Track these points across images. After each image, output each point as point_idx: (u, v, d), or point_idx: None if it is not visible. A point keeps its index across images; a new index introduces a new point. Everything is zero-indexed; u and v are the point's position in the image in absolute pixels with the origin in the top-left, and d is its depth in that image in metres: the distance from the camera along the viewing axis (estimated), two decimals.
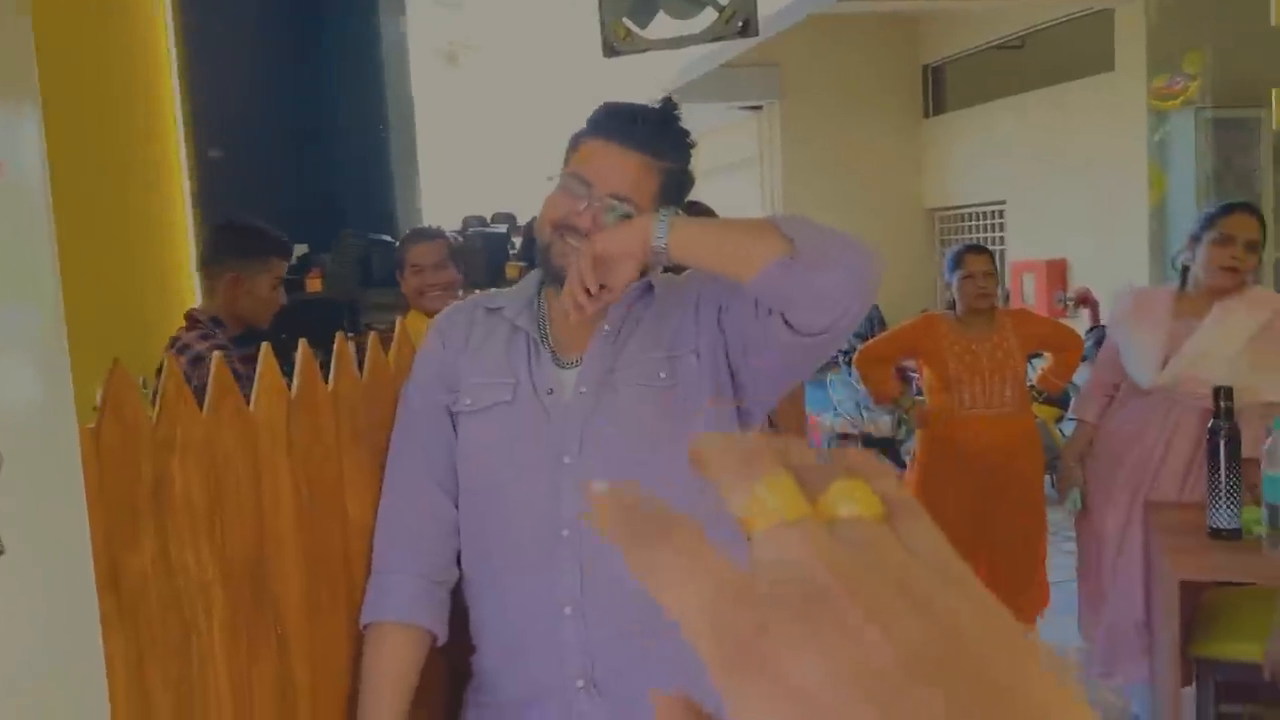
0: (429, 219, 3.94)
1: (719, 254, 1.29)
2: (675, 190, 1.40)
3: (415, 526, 1.44)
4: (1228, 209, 2.77)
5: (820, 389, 6.96)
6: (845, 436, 6.33)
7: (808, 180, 9.60)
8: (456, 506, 1.44)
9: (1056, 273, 9.16)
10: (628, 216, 1.33)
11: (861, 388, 4.48)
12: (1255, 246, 2.71)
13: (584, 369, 1.40)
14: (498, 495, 1.41)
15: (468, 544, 1.44)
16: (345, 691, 1.42)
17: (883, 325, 6.53)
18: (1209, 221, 2.76)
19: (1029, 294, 9.14)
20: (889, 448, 6.00)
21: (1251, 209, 2.78)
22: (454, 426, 1.44)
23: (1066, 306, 7.92)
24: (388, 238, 3.53)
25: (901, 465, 4.56)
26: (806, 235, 1.23)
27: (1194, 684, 2.72)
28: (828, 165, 9.60)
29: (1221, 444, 2.35)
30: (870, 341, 3.59)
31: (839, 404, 6.56)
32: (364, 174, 3.93)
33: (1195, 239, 2.77)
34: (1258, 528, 2.29)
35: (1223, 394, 2.36)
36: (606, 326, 1.40)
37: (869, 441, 6.20)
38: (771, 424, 2.38)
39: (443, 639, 1.44)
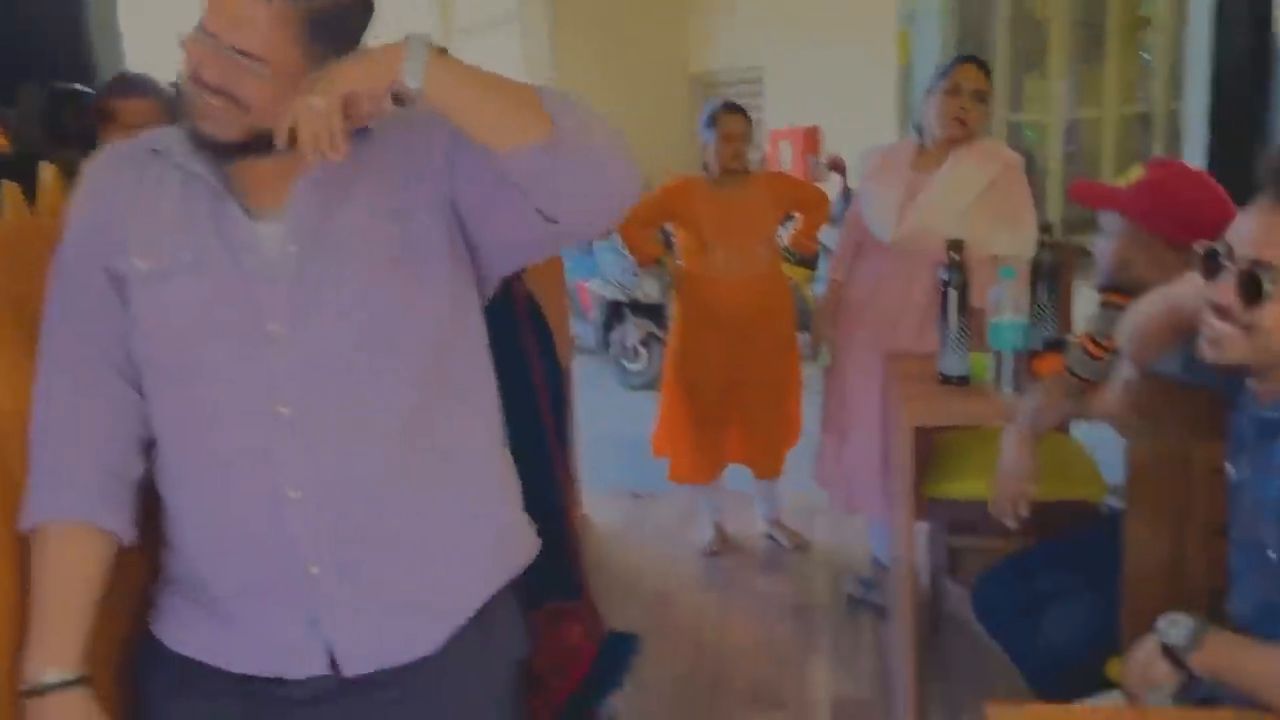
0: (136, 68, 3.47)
1: (477, 114, 1.10)
2: (331, 32, 1.16)
3: (82, 412, 1.23)
4: (956, 61, 2.83)
5: (588, 255, 6.89)
6: (615, 303, 6.31)
7: (570, 42, 9.31)
8: (138, 389, 1.24)
9: (810, 139, 9.43)
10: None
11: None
12: (983, 97, 2.79)
13: (292, 222, 1.20)
14: (192, 372, 1.21)
15: (161, 430, 1.25)
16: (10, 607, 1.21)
17: (647, 189, 6.48)
18: (939, 75, 2.82)
19: (786, 161, 9.38)
20: (658, 312, 6.04)
21: (978, 61, 2.84)
22: (125, 293, 1.22)
23: (819, 171, 8.17)
24: (83, 88, 3.08)
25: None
26: (571, 121, 1.09)
27: (927, 521, 2.90)
28: (592, 27, 9.34)
29: (951, 294, 2.43)
30: (633, 206, 3.50)
31: (607, 270, 6.52)
32: (55, 18, 3.40)
33: (929, 93, 2.83)
34: (985, 373, 2.40)
35: (954, 246, 2.43)
36: (318, 173, 1.20)
37: (637, 308, 6.22)
38: (524, 292, 2.27)
39: (129, 541, 1.26)
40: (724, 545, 3.63)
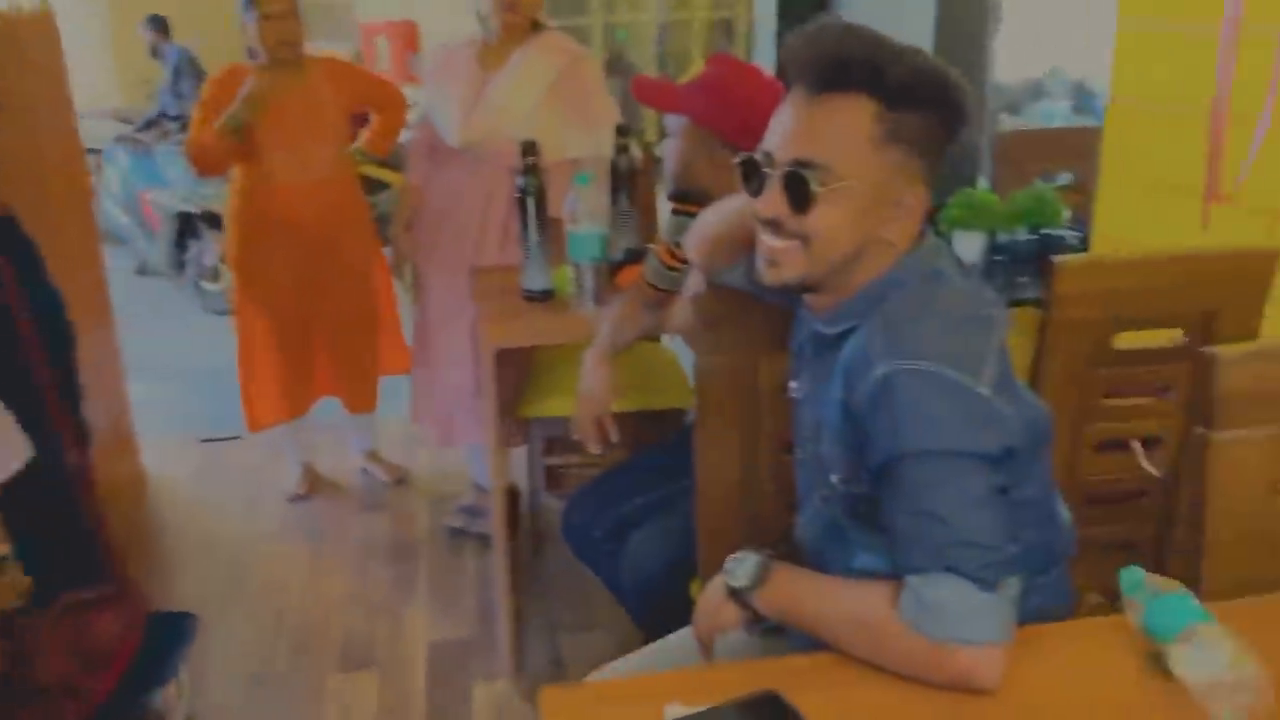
0: None
1: None
2: None
3: None
4: None
5: (148, 159, 6.01)
6: (186, 215, 5.55)
7: None
8: None
9: (407, 35, 8.89)
10: None
11: None
12: None
13: None
14: None
15: None
16: None
17: None
18: None
19: (384, 60, 8.79)
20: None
21: None
22: None
23: (418, 71, 7.73)
24: None
25: None
26: None
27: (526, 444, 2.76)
28: None
29: (528, 203, 2.24)
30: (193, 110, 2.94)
31: (173, 176, 5.73)
32: None
33: None
34: (568, 287, 2.25)
35: (528, 149, 2.23)
36: None
37: (215, 220, 5.49)
38: None
39: None
40: (315, 487, 3.28)
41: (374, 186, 4.85)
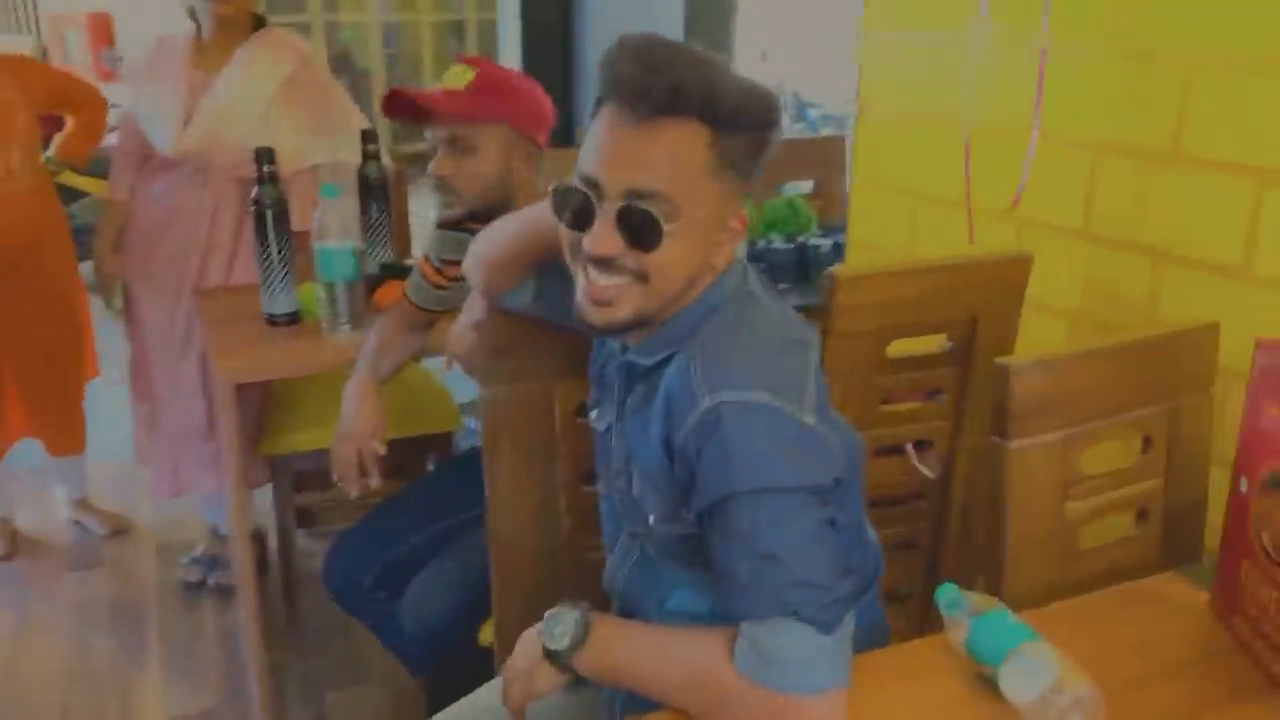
0: None
1: None
2: None
3: None
4: None
5: None
6: None
7: None
8: None
9: (101, 28, 8.05)
10: None
11: None
12: None
13: None
14: None
15: None
16: None
17: None
18: None
19: (76, 55, 7.91)
20: None
21: None
22: None
23: (115, 68, 7.01)
24: None
25: None
26: None
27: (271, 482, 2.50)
28: None
29: (267, 216, 2.01)
30: None
31: None
32: None
33: None
34: (318, 308, 2.03)
35: (264, 157, 2.00)
36: None
37: None
38: None
39: None
40: (14, 547, 2.83)
41: (69, 195, 4.30)
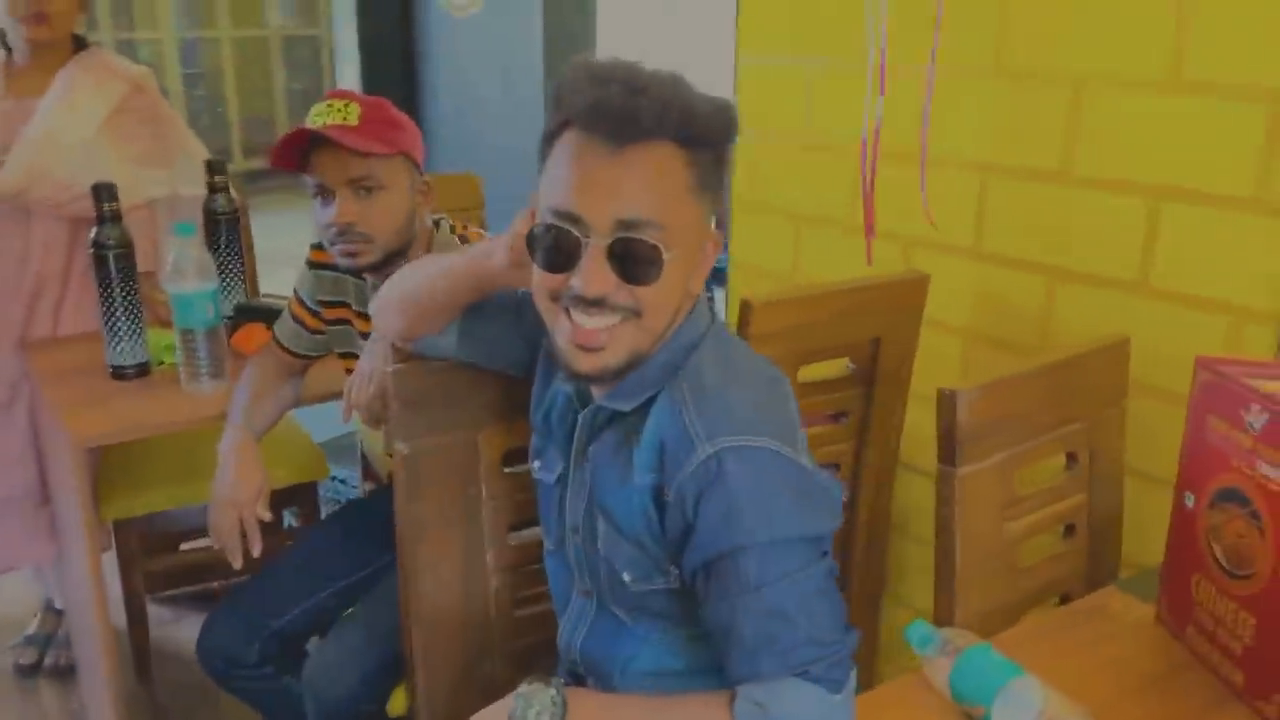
0: None
1: None
2: None
3: None
4: None
5: None
6: None
7: None
8: None
9: None
10: None
11: None
12: None
13: None
14: None
15: None
16: None
17: None
18: None
19: None
20: None
21: None
22: None
23: None
24: None
25: None
26: None
27: (114, 548, 2.25)
28: None
29: (109, 258, 1.81)
30: None
31: None
32: None
33: None
34: (173, 357, 1.84)
35: (104, 194, 1.80)
36: None
37: None
38: None
39: None
40: None
41: None
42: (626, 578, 1.02)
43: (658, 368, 0.98)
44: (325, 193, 1.48)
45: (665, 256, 0.91)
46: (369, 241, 1.47)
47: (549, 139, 0.95)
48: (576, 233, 0.91)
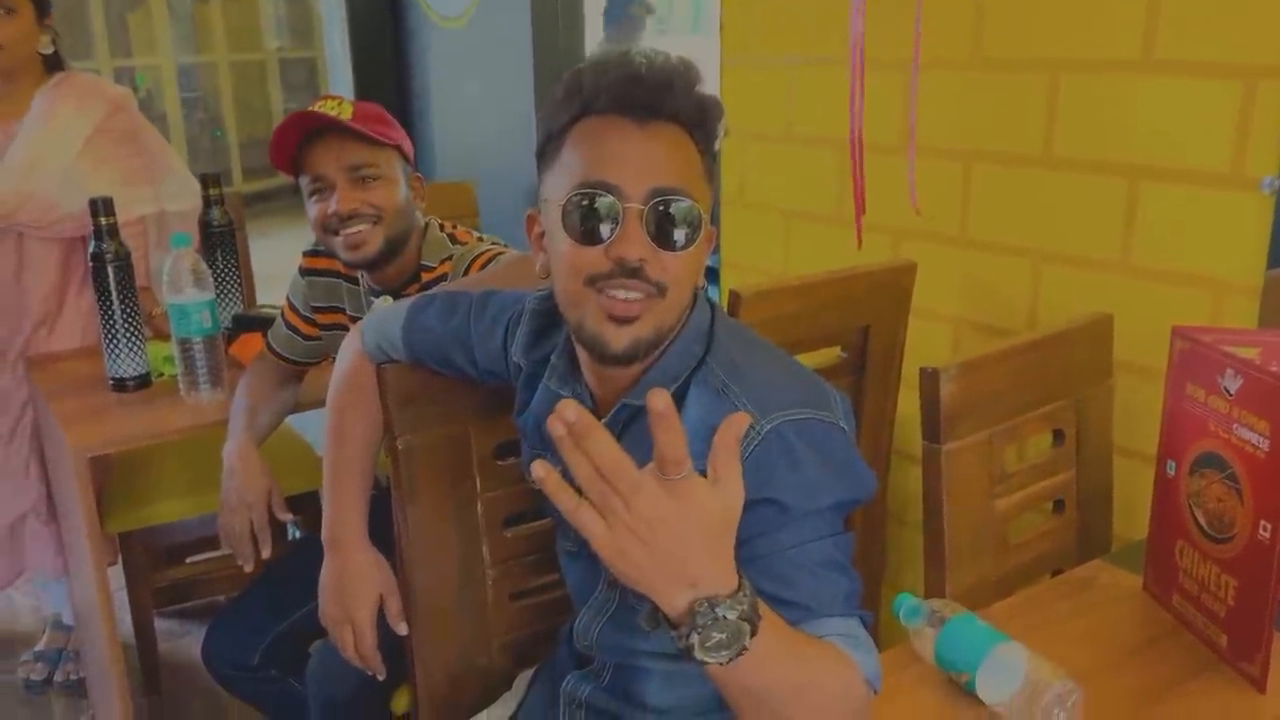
0: None
1: None
2: None
3: None
4: None
5: None
6: None
7: None
8: None
9: None
10: None
11: None
12: (8, 7, 2.01)
13: None
14: None
15: None
16: None
17: None
18: None
19: None
20: None
21: None
22: None
23: None
24: None
25: None
26: None
27: (120, 561, 2.28)
28: None
29: (109, 272, 1.84)
30: None
31: None
32: None
33: None
34: (172, 368, 1.87)
35: (101, 208, 1.82)
36: None
37: None
38: None
39: None
40: None
41: None
42: None
43: (676, 356, 1.00)
44: (323, 187, 1.50)
45: (704, 219, 0.94)
46: (376, 221, 1.50)
47: (557, 134, 0.97)
48: (615, 198, 0.92)
